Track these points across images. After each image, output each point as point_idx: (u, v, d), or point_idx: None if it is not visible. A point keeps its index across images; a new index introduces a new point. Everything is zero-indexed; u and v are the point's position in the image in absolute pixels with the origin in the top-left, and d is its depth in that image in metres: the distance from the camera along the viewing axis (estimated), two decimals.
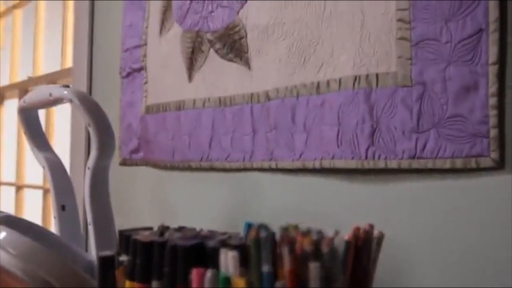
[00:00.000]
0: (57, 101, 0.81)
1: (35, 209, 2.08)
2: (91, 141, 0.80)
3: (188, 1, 1.14)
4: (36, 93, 0.87)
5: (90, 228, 0.84)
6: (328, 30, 0.86)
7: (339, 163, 0.82)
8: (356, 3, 0.82)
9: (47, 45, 2.13)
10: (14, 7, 2.37)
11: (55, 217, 0.95)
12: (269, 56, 0.96)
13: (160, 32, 1.23)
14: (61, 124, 1.97)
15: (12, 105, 2.30)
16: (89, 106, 0.78)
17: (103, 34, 1.52)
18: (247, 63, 1.00)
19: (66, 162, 1.55)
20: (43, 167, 0.96)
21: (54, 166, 0.96)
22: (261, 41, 0.97)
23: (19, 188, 2.28)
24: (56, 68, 1.95)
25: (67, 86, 0.80)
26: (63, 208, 0.95)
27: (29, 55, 2.19)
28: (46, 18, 2.15)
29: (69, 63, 1.74)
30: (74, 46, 1.57)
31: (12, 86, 2.26)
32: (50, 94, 0.81)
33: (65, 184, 0.96)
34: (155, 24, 1.25)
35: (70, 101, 0.78)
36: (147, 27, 1.28)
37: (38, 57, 2.13)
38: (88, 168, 0.82)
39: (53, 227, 0.97)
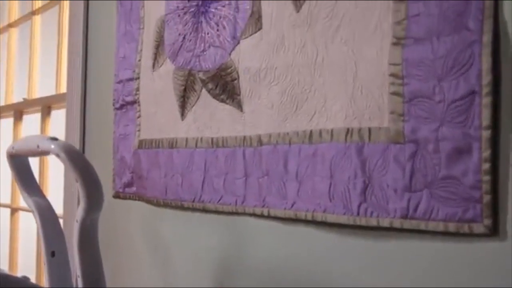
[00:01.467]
0: (44, 153, 0.80)
1: (30, 233, 2.07)
2: (79, 194, 0.79)
3: (181, 38, 1.12)
4: (25, 142, 0.86)
5: (79, 281, 0.82)
6: (320, 78, 0.85)
7: (331, 218, 0.81)
8: (349, 53, 0.80)
9: (42, 68, 2.12)
10: (10, 25, 2.36)
11: (45, 264, 0.94)
12: (262, 100, 0.94)
13: (153, 66, 1.22)
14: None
15: (7, 125, 2.28)
16: (77, 161, 0.77)
17: (96, 62, 1.51)
18: (239, 106, 0.99)
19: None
20: (32, 212, 0.95)
21: (43, 211, 0.95)
22: (253, 85, 0.96)
23: (14, 210, 2.27)
24: (52, 89, 1.94)
25: (55, 139, 0.78)
26: (52, 254, 0.94)
27: (25, 76, 2.18)
28: (41, 40, 2.14)
29: (63, 88, 1.72)
30: (68, 73, 1.56)
31: (7, 107, 2.25)
32: (38, 146, 0.80)
33: (55, 230, 0.95)
34: (148, 58, 1.23)
35: (57, 155, 0.76)
36: (139, 60, 1.26)
37: (33, 79, 2.12)
38: (77, 221, 0.81)
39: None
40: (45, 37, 2.12)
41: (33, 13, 2.15)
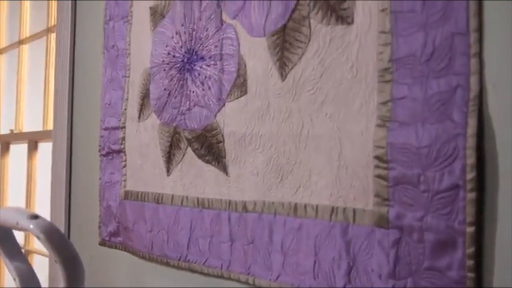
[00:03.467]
0: (24, 230, 0.79)
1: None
2: (60, 273, 0.77)
3: (166, 94, 1.11)
4: (4, 215, 0.84)
5: None
6: (305, 151, 0.84)
7: None
8: (334, 128, 0.80)
9: (30, 98, 2.10)
10: None
11: None
12: (247, 166, 0.93)
13: (139, 117, 1.20)
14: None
15: None
16: (56, 242, 0.75)
17: (83, 105, 1.50)
18: (224, 169, 0.98)
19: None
20: (14, 279, 0.94)
21: (25, 277, 0.93)
22: (238, 149, 0.95)
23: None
24: (39, 122, 1.92)
25: (35, 217, 0.77)
26: None
27: (12, 106, 2.15)
28: (29, 71, 2.12)
29: (50, 124, 1.71)
30: (55, 113, 1.54)
31: None
32: (17, 223, 0.79)
33: None
34: (134, 108, 1.22)
35: (37, 236, 0.75)
36: (125, 109, 1.25)
37: (20, 111, 2.10)
38: None
39: None
40: (33, 67, 2.10)
41: (21, 42, 2.13)
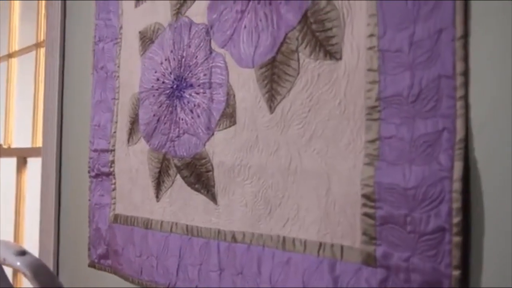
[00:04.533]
0: (11, 266, 0.78)
1: None
2: None
3: (155, 120, 1.11)
4: None
5: None
6: (294, 186, 0.84)
7: None
8: (322, 165, 0.80)
9: (19, 112, 2.09)
10: None
11: None
12: (236, 197, 0.93)
13: (128, 141, 1.20)
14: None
15: None
16: (44, 280, 0.75)
17: (74, 130, 1.49)
18: (214, 198, 0.98)
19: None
20: None
21: None
22: (227, 180, 0.95)
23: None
24: (28, 138, 1.92)
25: (23, 253, 0.76)
26: None
27: (1, 120, 2.14)
28: (18, 85, 2.11)
29: (40, 140, 1.70)
30: (44, 134, 1.54)
31: None
32: (4, 260, 0.78)
33: None
34: (123, 132, 1.22)
35: (24, 274, 0.75)
36: (115, 132, 1.25)
37: (9, 126, 2.09)
38: None
39: None
40: (22, 81, 2.09)
41: (10, 55, 2.12)
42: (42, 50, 1.86)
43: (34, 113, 1.90)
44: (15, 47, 2.10)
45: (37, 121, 1.86)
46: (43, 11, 1.89)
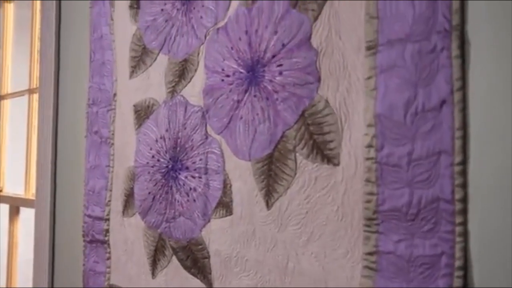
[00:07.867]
0: None
1: None
2: None
3: (151, 198, 1.10)
4: None
5: None
6: (291, 286, 0.83)
7: None
8: (320, 269, 0.79)
9: (11, 158, 2.07)
10: None
11: None
12: (232, 286, 0.93)
13: (123, 213, 1.19)
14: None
15: None
16: None
17: (67, 194, 1.48)
18: (210, 284, 0.97)
19: None
20: None
21: None
22: (224, 269, 0.94)
23: None
24: (21, 182, 1.90)
25: None
26: None
27: None
28: (10, 128, 2.09)
29: (32, 188, 1.68)
30: (37, 182, 1.52)
31: None
32: None
33: None
34: (118, 202, 1.21)
35: None
36: (109, 200, 1.24)
37: (1, 170, 2.07)
38: None
39: None
40: (14, 123, 2.07)
41: (2, 97, 2.11)
42: (35, 96, 1.84)
43: (27, 160, 1.88)
44: (7, 89, 2.08)
45: (30, 167, 1.85)
46: (36, 56, 1.87)
